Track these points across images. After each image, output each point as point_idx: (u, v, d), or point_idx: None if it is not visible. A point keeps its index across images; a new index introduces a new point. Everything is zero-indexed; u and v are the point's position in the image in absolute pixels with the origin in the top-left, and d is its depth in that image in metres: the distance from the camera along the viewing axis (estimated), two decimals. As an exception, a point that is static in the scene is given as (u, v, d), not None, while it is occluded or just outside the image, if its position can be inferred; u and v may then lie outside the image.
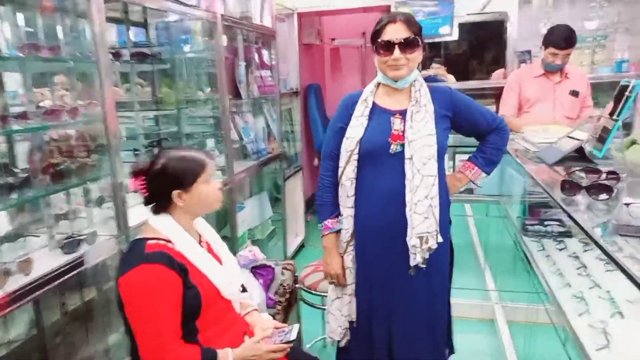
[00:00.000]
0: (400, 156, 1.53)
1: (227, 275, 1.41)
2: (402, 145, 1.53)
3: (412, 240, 1.50)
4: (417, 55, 1.51)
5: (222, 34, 2.36)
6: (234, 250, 2.47)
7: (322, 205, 1.69)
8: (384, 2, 3.59)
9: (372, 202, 1.58)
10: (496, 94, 3.79)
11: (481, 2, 3.86)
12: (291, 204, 3.72)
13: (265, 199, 3.18)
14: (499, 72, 3.80)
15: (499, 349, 2.37)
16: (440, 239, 1.52)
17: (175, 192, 1.28)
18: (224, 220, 2.57)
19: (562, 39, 2.63)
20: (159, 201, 1.31)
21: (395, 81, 1.56)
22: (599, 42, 3.56)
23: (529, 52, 3.66)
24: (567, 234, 1.89)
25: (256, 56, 3.11)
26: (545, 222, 2.00)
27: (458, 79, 3.85)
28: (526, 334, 2.04)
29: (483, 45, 4.20)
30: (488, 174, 1.71)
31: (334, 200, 1.66)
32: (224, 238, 2.58)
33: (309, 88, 4.62)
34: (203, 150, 1.39)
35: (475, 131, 1.70)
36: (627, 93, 1.59)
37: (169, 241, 1.27)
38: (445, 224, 1.59)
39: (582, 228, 1.16)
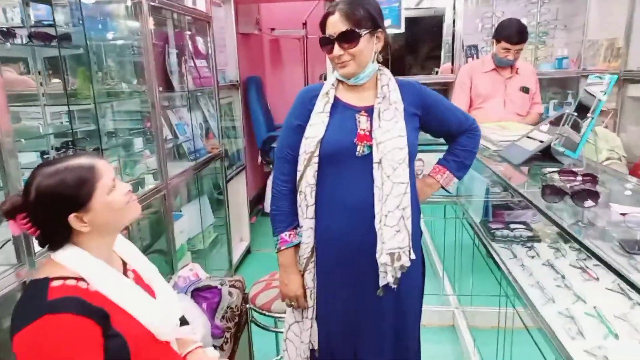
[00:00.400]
0: (367, 160, 1.33)
1: (162, 311, 1.13)
2: (370, 147, 1.33)
3: (382, 257, 1.30)
4: (363, 48, 1.30)
5: (149, 16, 2.02)
6: (172, 267, 2.15)
7: (277, 215, 1.45)
8: (327, -10, 3.38)
9: (336, 213, 1.36)
10: (444, 90, 3.74)
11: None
12: (234, 206, 3.42)
13: (206, 203, 2.86)
14: (446, 67, 3.74)
15: (461, 356, 2.26)
16: (413, 256, 1.33)
17: (72, 217, 0.97)
18: (158, 232, 2.24)
19: (515, 33, 2.57)
20: (57, 235, 1.00)
21: (348, 79, 1.35)
22: (540, 39, 3.59)
23: (475, 46, 3.62)
24: (536, 239, 1.80)
25: (190, 44, 2.77)
26: (512, 226, 1.90)
27: (393, 74, 3.72)
28: (491, 339, 1.94)
29: (419, 41, 4.12)
30: (460, 178, 1.55)
31: (291, 210, 1.42)
32: (159, 252, 2.27)
33: (249, 81, 4.32)
34: (84, 152, 1.08)
35: (446, 132, 1.53)
36: (601, 89, 1.49)
37: (80, 279, 0.97)
38: (417, 236, 1.41)
39: (590, 251, 1.01)
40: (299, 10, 4.60)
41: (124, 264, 1.17)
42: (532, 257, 1.66)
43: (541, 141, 1.83)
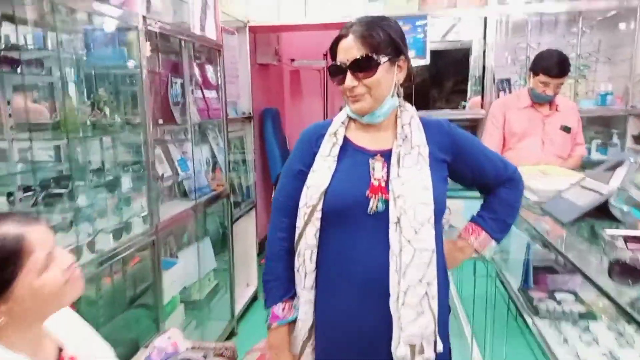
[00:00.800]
0: (382, 218, 1.04)
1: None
2: (386, 202, 1.05)
3: (399, 349, 1.00)
4: (380, 78, 1.04)
5: (146, 41, 1.83)
6: (158, 325, 1.88)
7: (269, 281, 1.17)
8: (348, 19, 3.18)
9: (341, 285, 1.08)
10: (473, 126, 3.45)
11: (444, 29, 3.60)
12: (241, 247, 3.15)
13: (208, 247, 2.59)
14: (475, 101, 3.46)
15: None
16: (440, 347, 1.03)
17: None
18: (145, 283, 1.98)
19: (555, 65, 2.28)
20: None
21: (361, 116, 1.09)
22: (580, 72, 3.30)
23: (508, 80, 3.35)
24: (590, 316, 1.45)
25: (198, 73, 2.58)
26: (558, 296, 1.56)
27: (416, 108, 3.48)
28: None
29: (443, 74, 3.91)
30: (499, 241, 1.25)
31: (288, 275, 1.15)
32: (144, 307, 2.01)
33: (266, 113, 4.12)
34: (15, 214, 0.81)
35: (480, 182, 1.24)
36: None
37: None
38: (444, 317, 1.10)
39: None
40: (320, 41, 4.43)
41: (60, 350, 0.91)
42: (589, 343, 1.32)
43: (597, 192, 1.51)
